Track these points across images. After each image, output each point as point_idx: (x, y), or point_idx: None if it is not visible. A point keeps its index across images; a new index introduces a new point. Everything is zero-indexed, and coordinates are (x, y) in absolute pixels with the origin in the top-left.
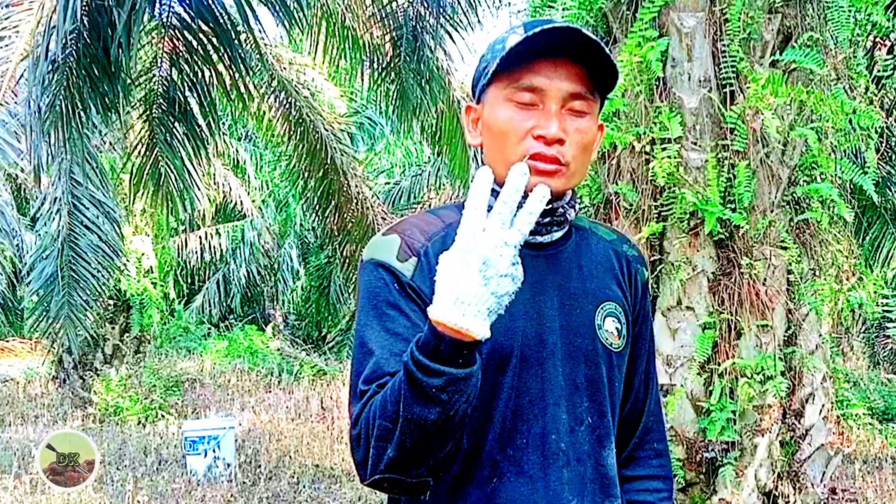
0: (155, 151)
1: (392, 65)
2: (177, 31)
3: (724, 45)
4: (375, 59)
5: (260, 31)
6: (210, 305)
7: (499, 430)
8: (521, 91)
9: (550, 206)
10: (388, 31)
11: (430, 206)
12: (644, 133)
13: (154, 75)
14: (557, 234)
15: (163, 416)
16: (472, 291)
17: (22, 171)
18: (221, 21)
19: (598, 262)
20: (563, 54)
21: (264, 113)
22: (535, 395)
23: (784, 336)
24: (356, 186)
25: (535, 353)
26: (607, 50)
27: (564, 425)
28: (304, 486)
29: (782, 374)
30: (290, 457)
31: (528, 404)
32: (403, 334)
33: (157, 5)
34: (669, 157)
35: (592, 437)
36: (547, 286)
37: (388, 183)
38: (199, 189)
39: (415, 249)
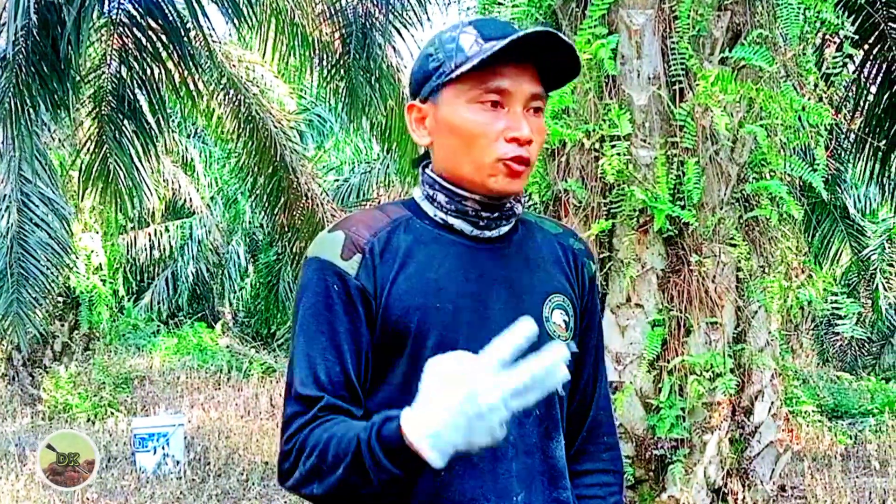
0: (104, 149)
1: (341, 62)
2: (126, 28)
3: (673, 43)
4: (325, 56)
5: (209, 28)
6: (159, 303)
7: None
8: (490, 92)
9: (501, 202)
10: (337, 28)
11: (379, 203)
12: (593, 130)
13: (103, 73)
14: (505, 229)
15: (112, 413)
16: (451, 435)
17: None
18: (171, 18)
19: (544, 256)
20: (526, 58)
21: (214, 110)
22: None
23: (733, 333)
24: (305, 184)
25: (482, 346)
26: (577, 51)
27: (513, 418)
28: (253, 483)
29: (731, 371)
30: (240, 454)
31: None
32: (341, 341)
33: (107, 3)
34: (619, 154)
35: (540, 429)
36: (494, 280)
37: (338, 180)
38: (148, 186)
39: (359, 246)
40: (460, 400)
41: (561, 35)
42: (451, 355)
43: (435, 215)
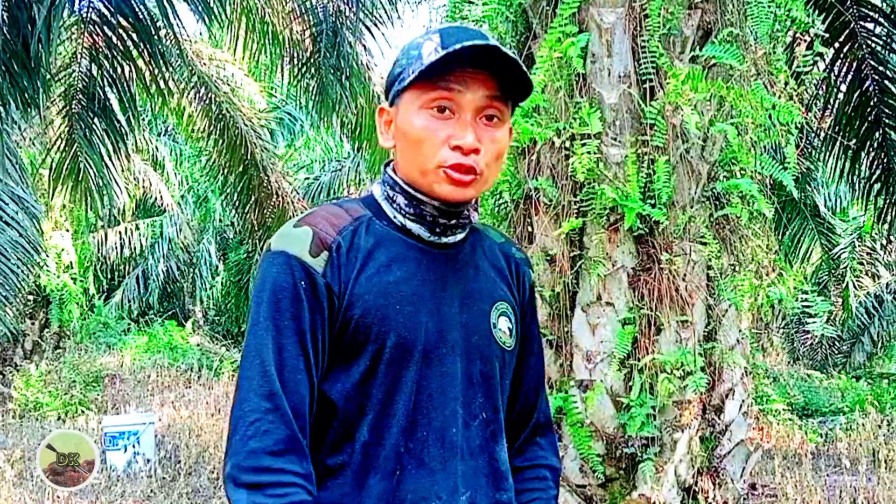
0: (74, 147)
1: (312, 60)
2: (97, 26)
3: (643, 41)
4: (295, 54)
5: (180, 26)
6: (129, 301)
7: (403, 424)
8: (437, 99)
9: (459, 209)
10: (307, 26)
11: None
12: (564, 129)
13: (74, 71)
14: (460, 236)
15: (83, 411)
16: None
17: None
18: (141, 17)
19: (491, 264)
20: (479, 66)
21: (184, 108)
22: (436, 389)
23: (704, 331)
24: (276, 182)
25: (437, 348)
26: (523, 66)
27: (461, 420)
28: (223, 482)
29: (702, 369)
30: (210, 452)
31: (429, 398)
32: (305, 339)
33: (78, 1)
34: (589, 152)
35: (486, 432)
36: (448, 285)
37: (308, 178)
38: (118, 184)
39: (326, 244)
40: None
41: (504, 50)
42: None
43: (394, 217)
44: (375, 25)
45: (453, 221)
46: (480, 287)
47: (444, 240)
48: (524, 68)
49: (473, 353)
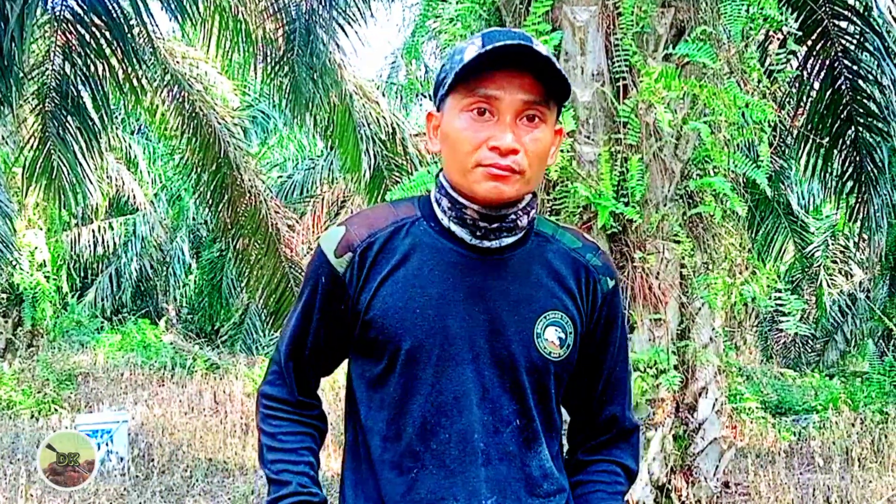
0: (48, 145)
1: (285, 58)
2: (70, 24)
3: (617, 39)
4: (268, 52)
5: (153, 24)
6: (103, 299)
7: (419, 424)
8: (476, 101)
9: (502, 212)
10: (280, 24)
11: (323, 199)
12: None
13: (47, 69)
14: (508, 241)
15: (56, 409)
16: None
17: None
18: (114, 15)
19: (551, 271)
20: (518, 66)
21: (157, 107)
22: (459, 393)
23: (677, 330)
24: (249, 180)
25: (460, 353)
26: (558, 65)
27: (488, 426)
28: (197, 480)
29: (675, 367)
30: (184, 450)
31: (453, 401)
32: (312, 329)
33: None
34: (562, 150)
35: (520, 439)
36: (487, 290)
37: (282, 177)
38: (91, 183)
39: (352, 246)
40: None
41: (538, 49)
42: None
43: (441, 219)
44: (349, 23)
45: (496, 225)
46: (528, 294)
47: (487, 244)
48: (558, 67)
49: (505, 361)
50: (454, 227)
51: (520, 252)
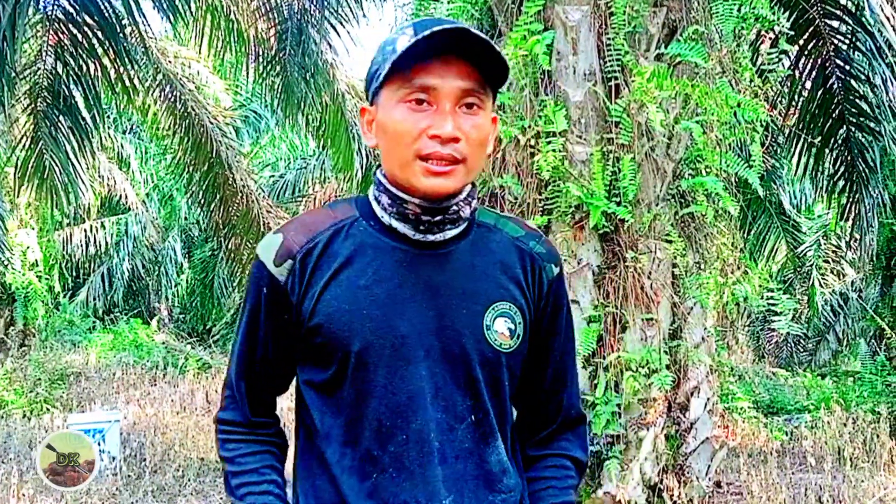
0: (40, 145)
1: (277, 58)
2: (62, 24)
3: (609, 39)
4: (260, 52)
5: (145, 24)
6: (95, 299)
7: (375, 427)
8: (414, 91)
9: (444, 204)
10: (273, 24)
11: (315, 199)
12: (529, 126)
13: (39, 69)
14: (451, 233)
15: (48, 409)
16: None
17: None
18: (106, 15)
19: (495, 261)
20: (453, 53)
21: (149, 106)
22: (413, 393)
23: (669, 329)
24: (241, 180)
25: (410, 352)
26: (497, 46)
27: (443, 424)
28: (189, 480)
29: (667, 367)
30: (176, 450)
31: (407, 401)
32: (259, 343)
33: None
34: (554, 150)
35: (476, 434)
36: (434, 286)
37: (273, 176)
38: (83, 182)
39: (291, 253)
40: None
41: (474, 31)
42: None
43: (382, 217)
44: (341, 23)
45: (438, 218)
46: (475, 287)
47: (432, 238)
48: (497, 49)
49: (456, 356)
50: (396, 224)
51: (463, 244)
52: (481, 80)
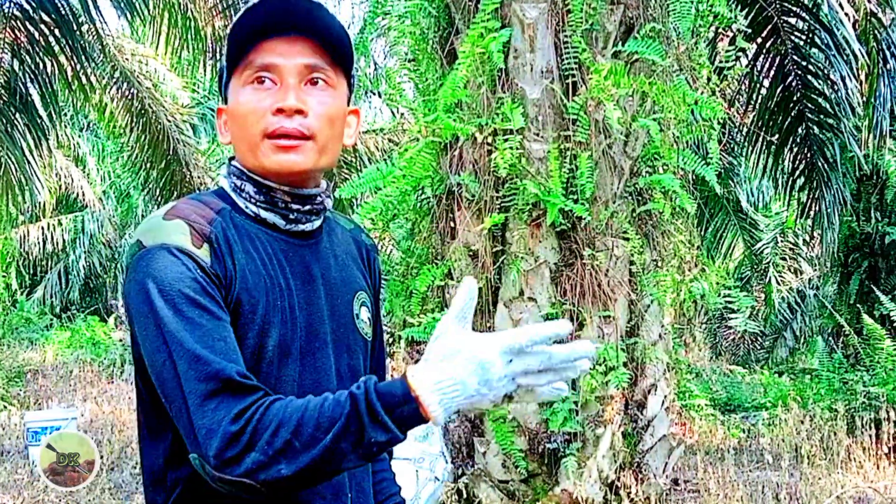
0: None
1: None
2: (19, 21)
3: (566, 37)
4: (218, 50)
5: (102, 22)
6: (52, 296)
7: None
8: (257, 71)
9: (310, 192)
10: (229, 21)
11: None
12: (486, 124)
13: None
14: (317, 223)
15: (4, 406)
16: (457, 396)
17: None
18: (63, 12)
19: (347, 252)
20: (293, 30)
21: (106, 104)
22: (313, 385)
23: (626, 327)
24: (198, 177)
25: (311, 343)
26: (333, 19)
27: None
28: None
29: (624, 365)
30: (133, 447)
31: (309, 395)
32: (216, 327)
33: None
34: (511, 148)
35: None
36: (314, 276)
37: None
38: (39, 180)
39: (205, 235)
40: (471, 368)
41: (316, 6)
42: (456, 330)
43: (247, 208)
44: None
45: (307, 207)
46: (342, 277)
47: (301, 228)
48: (331, 21)
49: (341, 346)
50: (265, 214)
51: (324, 236)
52: (329, 60)
